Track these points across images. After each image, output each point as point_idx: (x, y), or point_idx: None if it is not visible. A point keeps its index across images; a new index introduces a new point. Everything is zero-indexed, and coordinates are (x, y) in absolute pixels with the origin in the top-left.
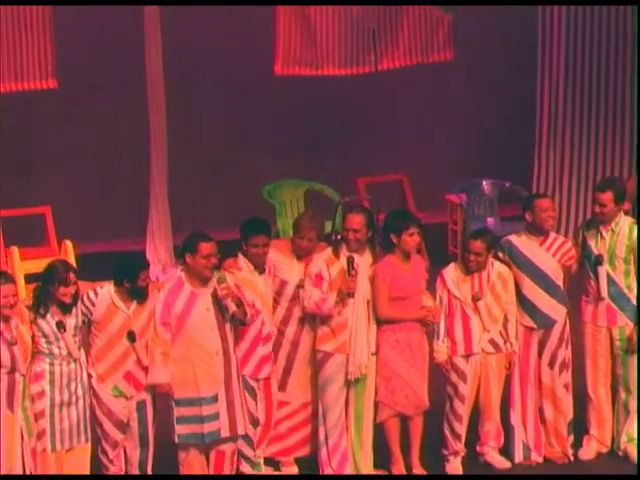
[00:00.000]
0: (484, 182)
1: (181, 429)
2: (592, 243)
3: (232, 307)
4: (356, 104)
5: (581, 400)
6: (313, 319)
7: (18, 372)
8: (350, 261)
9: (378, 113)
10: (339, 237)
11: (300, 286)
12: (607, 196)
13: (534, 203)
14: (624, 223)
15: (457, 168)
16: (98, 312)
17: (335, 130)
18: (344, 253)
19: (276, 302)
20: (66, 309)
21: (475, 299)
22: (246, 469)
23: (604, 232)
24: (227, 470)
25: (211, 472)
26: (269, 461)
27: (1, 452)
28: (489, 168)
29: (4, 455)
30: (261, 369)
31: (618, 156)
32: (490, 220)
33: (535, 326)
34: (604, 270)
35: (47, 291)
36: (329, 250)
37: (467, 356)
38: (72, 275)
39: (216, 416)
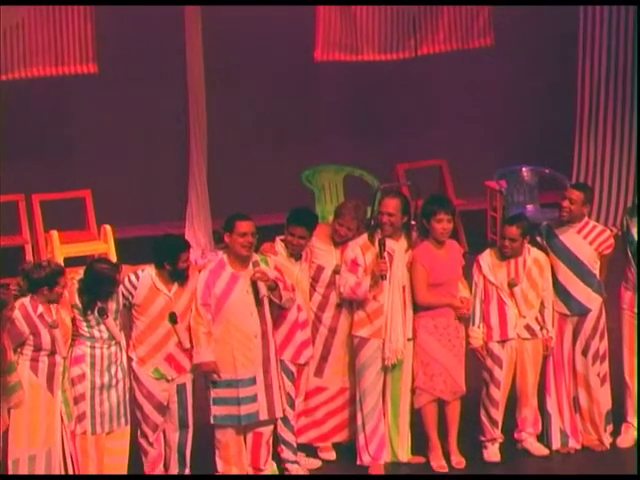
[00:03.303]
0: (524, 169)
1: (217, 410)
2: (634, 230)
3: (264, 289)
4: (396, 90)
5: (621, 388)
6: (350, 305)
7: (59, 355)
8: (382, 243)
9: (418, 99)
10: (374, 222)
11: (336, 272)
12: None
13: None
14: None
15: (497, 154)
16: (139, 295)
17: (375, 116)
18: (378, 237)
19: (313, 288)
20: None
21: (512, 285)
22: (288, 456)
23: (637, 224)
24: (264, 452)
25: (248, 454)
26: (307, 447)
27: (40, 433)
28: (529, 155)
29: (42, 437)
30: (301, 354)
31: None
32: (530, 207)
33: (569, 313)
34: None
35: (95, 292)
36: (365, 236)
37: (502, 342)
38: (119, 274)
39: (253, 398)
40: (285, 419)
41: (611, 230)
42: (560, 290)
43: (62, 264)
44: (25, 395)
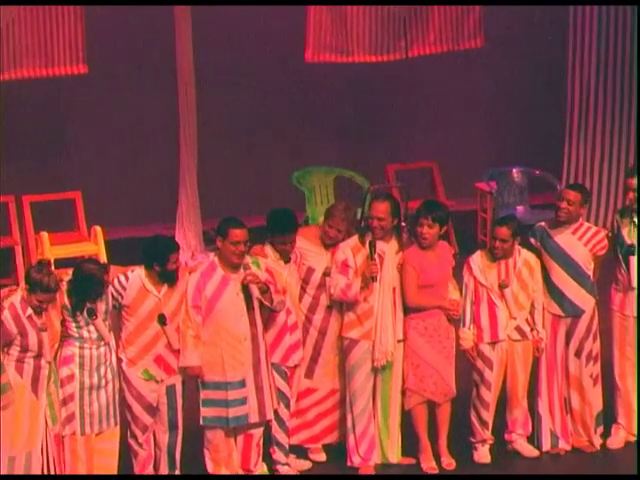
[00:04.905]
0: (514, 170)
1: (206, 412)
2: (625, 232)
3: (256, 292)
4: (386, 91)
5: (610, 389)
6: (340, 306)
7: (44, 358)
8: (372, 245)
9: (409, 100)
10: (364, 224)
11: (326, 274)
12: (637, 181)
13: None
14: None
15: (487, 156)
16: (129, 296)
17: (366, 117)
18: (369, 239)
19: (303, 290)
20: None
21: (503, 286)
22: (279, 457)
23: (637, 221)
24: (254, 454)
25: (238, 455)
26: (298, 449)
27: (21, 435)
28: (519, 156)
29: (23, 438)
30: (289, 357)
31: None
32: (520, 208)
33: (563, 314)
34: (635, 260)
35: (83, 293)
36: (355, 238)
37: (493, 343)
38: (107, 276)
39: (242, 401)
40: (280, 421)
41: (604, 231)
42: (554, 291)
43: (59, 286)
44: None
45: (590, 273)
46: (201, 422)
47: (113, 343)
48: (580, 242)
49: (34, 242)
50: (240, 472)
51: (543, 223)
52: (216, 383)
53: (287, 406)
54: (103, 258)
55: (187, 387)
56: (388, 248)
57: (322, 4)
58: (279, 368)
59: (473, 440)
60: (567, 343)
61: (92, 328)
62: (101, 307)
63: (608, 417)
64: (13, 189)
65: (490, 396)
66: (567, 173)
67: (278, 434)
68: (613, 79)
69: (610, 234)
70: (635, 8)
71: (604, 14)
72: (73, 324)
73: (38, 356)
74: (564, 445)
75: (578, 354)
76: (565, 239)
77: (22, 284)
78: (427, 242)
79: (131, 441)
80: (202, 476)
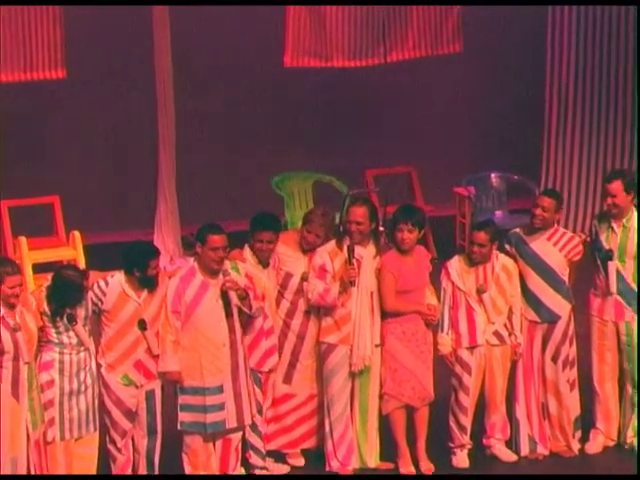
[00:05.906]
0: (492, 175)
1: (184, 417)
2: (603, 237)
3: (235, 299)
4: (365, 96)
5: (589, 394)
6: (318, 311)
7: (22, 359)
8: (350, 250)
9: (387, 105)
10: (342, 229)
11: (304, 279)
12: (616, 186)
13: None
14: (636, 219)
15: (466, 161)
16: (109, 301)
17: (344, 122)
18: (346, 244)
19: (281, 295)
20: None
21: (480, 291)
22: (256, 461)
23: (615, 227)
24: (233, 459)
25: (217, 460)
26: (276, 454)
27: (4, 440)
28: (498, 161)
29: (7, 444)
30: (265, 362)
31: (628, 149)
32: (498, 213)
33: (539, 320)
34: (614, 265)
35: (62, 298)
36: (333, 242)
37: (471, 348)
38: (86, 282)
39: (220, 407)
40: (253, 425)
41: (580, 236)
42: (530, 297)
43: (21, 275)
44: None
45: (565, 279)
46: (179, 427)
47: (93, 348)
48: (555, 248)
49: (12, 247)
50: None
51: (518, 229)
52: (194, 388)
53: (260, 411)
54: (81, 263)
55: (165, 392)
56: (366, 253)
57: (300, 4)
58: (254, 374)
59: (452, 445)
60: (543, 349)
61: (72, 334)
62: (81, 313)
63: (587, 422)
64: None
65: (468, 401)
66: (545, 178)
67: (252, 438)
68: (591, 83)
69: (587, 239)
70: (635, 8)
71: (582, 16)
72: (53, 330)
73: (16, 358)
74: (542, 450)
75: (555, 359)
76: (540, 245)
77: None
78: (407, 247)
79: (110, 446)
80: (191, 476)
